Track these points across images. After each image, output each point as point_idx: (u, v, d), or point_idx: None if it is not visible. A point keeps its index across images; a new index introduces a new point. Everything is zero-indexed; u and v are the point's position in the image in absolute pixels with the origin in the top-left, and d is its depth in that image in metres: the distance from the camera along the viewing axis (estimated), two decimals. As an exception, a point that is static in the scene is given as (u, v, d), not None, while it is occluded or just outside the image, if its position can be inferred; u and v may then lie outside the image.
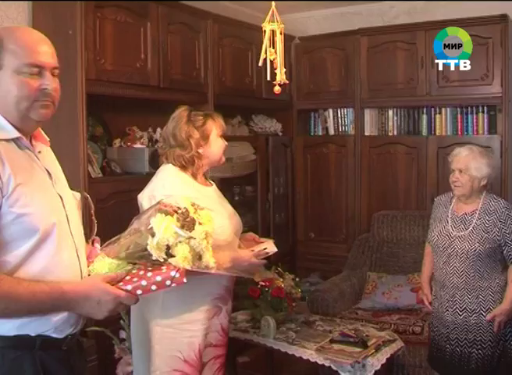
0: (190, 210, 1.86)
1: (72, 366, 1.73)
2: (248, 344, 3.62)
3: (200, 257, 1.81)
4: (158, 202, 1.94)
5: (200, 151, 2.59)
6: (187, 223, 1.79)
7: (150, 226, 1.76)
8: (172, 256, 1.74)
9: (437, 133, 4.82)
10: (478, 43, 4.44)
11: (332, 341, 3.34)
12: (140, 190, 2.57)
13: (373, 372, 3.15)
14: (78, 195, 1.87)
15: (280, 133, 5.34)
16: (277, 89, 2.33)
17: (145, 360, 2.55)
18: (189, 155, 2.57)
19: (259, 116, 5.23)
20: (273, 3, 2.24)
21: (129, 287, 1.64)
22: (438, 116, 4.82)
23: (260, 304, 3.55)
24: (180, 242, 1.76)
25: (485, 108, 4.64)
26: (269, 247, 2.68)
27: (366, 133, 5.09)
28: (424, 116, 4.88)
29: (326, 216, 5.17)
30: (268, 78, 2.33)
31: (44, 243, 1.61)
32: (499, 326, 3.01)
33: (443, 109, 4.80)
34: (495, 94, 4.48)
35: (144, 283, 1.65)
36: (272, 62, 2.30)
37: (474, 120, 4.68)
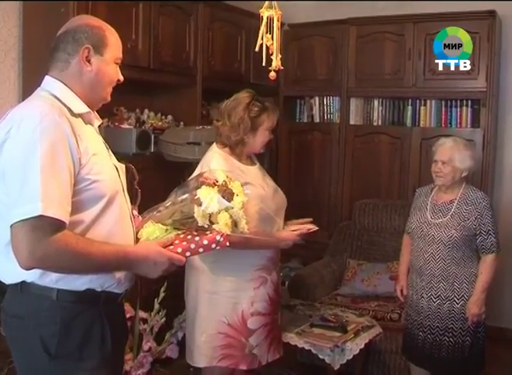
0: (227, 182, 2.04)
1: (122, 318, 2.03)
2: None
3: (236, 224, 1.97)
4: (199, 175, 2.11)
5: (245, 138, 2.82)
6: (227, 194, 1.96)
7: (196, 197, 1.91)
8: (213, 223, 1.91)
9: (421, 125, 4.87)
10: (465, 37, 4.49)
11: (312, 326, 3.40)
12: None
13: (351, 356, 3.23)
14: (123, 167, 2.01)
15: (266, 119, 5.32)
16: (272, 75, 2.37)
17: (195, 323, 2.85)
18: (235, 139, 2.80)
19: (246, 101, 5.21)
20: (272, -11, 2.26)
21: (179, 250, 1.83)
22: (423, 107, 4.86)
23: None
24: (222, 211, 1.92)
25: (470, 102, 4.68)
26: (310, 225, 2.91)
27: (351, 122, 5.11)
28: (409, 108, 4.91)
29: (308, 203, 5.18)
30: (264, 64, 2.36)
31: (109, 209, 1.81)
32: (472, 317, 3.09)
33: (428, 101, 4.84)
34: (480, 88, 4.53)
35: (192, 246, 1.85)
36: (267, 48, 2.33)
37: (458, 113, 4.73)
